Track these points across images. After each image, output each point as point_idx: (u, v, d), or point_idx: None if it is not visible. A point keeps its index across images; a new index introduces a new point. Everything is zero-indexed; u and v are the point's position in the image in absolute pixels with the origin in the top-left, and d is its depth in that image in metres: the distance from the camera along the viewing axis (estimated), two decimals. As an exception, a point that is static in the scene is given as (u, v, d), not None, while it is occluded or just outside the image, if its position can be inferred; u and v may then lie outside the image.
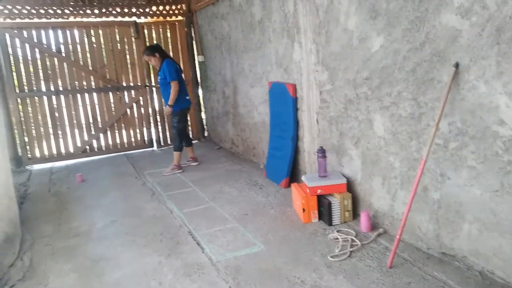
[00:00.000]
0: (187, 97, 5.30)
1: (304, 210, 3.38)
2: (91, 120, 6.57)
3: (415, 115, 2.67)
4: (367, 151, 3.21)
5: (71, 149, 6.50)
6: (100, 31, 6.49)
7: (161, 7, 6.77)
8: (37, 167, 6.21)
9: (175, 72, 5.07)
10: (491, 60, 2.14)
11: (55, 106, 6.31)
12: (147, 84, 6.82)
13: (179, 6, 6.88)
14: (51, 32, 6.15)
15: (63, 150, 6.45)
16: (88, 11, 6.30)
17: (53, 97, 6.28)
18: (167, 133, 7.08)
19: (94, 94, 6.54)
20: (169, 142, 7.08)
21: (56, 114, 6.34)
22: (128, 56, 6.69)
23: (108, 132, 6.72)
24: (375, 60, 2.95)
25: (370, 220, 3.14)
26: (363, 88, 3.12)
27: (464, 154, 2.38)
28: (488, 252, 2.32)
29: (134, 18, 6.66)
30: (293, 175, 4.34)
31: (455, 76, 2.34)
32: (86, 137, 6.56)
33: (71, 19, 6.27)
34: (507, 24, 2.03)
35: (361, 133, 3.24)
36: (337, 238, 3.02)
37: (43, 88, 6.20)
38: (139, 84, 6.78)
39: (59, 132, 6.39)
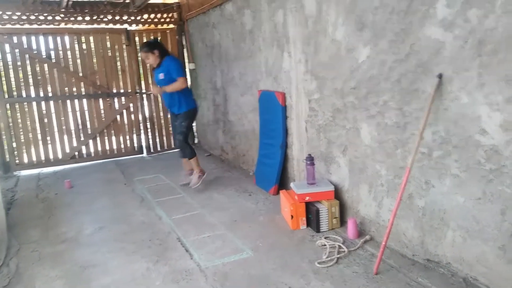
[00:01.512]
0: (193, 98, 4.74)
1: (292, 217, 3.41)
2: (80, 126, 6.54)
3: (400, 124, 2.73)
4: (354, 159, 3.26)
5: (60, 155, 6.45)
6: (91, 38, 6.49)
7: (152, 15, 6.81)
8: (24, 173, 6.16)
9: (182, 69, 4.57)
10: (473, 71, 2.21)
11: (44, 111, 6.28)
12: (138, 90, 6.83)
13: (170, 15, 6.93)
14: (41, 38, 6.14)
15: (51, 156, 6.40)
16: (79, 18, 6.31)
17: (43, 103, 6.25)
18: (157, 140, 7.08)
19: (84, 100, 6.52)
20: (158, 148, 7.09)
21: (45, 120, 6.30)
22: (119, 63, 6.70)
23: (98, 138, 6.69)
24: (362, 70, 3.02)
25: (357, 227, 3.18)
26: (351, 97, 3.18)
27: (447, 162, 2.44)
28: (472, 259, 2.37)
29: (125, 26, 6.69)
30: (282, 182, 4.38)
31: (439, 87, 2.41)
32: (75, 143, 6.53)
33: (62, 25, 6.28)
34: (488, 37, 2.11)
35: (349, 141, 3.29)
36: (325, 245, 3.05)
37: (33, 94, 6.16)
38: (130, 90, 6.78)
39: (48, 138, 6.35)
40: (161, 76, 4.48)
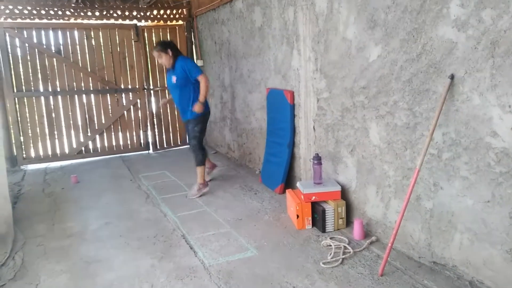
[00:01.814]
0: (207, 101, 4.50)
1: (298, 216, 3.39)
2: (87, 122, 6.57)
3: (410, 125, 2.70)
4: (362, 159, 3.23)
5: (67, 150, 6.48)
6: (101, 33, 6.51)
7: (162, 11, 6.81)
8: (31, 167, 6.20)
9: (198, 66, 4.37)
10: (485, 72, 2.18)
11: (52, 106, 6.31)
12: (145, 87, 6.84)
13: (179, 11, 6.93)
14: (51, 33, 6.17)
15: (58, 151, 6.44)
16: (89, 13, 6.33)
17: (51, 98, 6.28)
18: (163, 136, 7.09)
19: (92, 96, 6.55)
20: (165, 145, 7.10)
21: (53, 115, 6.33)
22: (127, 59, 6.71)
23: (105, 134, 6.72)
24: (372, 69, 2.98)
25: (363, 228, 3.16)
26: (360, 96, 3.15)
27: (457, 164, 2.41)
28: (479, 262, 2.34)
29: (134, 22, 6.70)
30: (289, 181, 4.35)
31: (450, 88, 2.37)
32: (82, 139, 6.56)
33: (72, 20, 6.30)
34: (502, 38, 2.07)
35: (357, 141, 3.27)
36: (330, 245, 3.03)
37: (41, 88, 6.19)
38: (137, 86, 6.80)
39: (55, 132, 6.38)
40: (173, 80, 4.31)
